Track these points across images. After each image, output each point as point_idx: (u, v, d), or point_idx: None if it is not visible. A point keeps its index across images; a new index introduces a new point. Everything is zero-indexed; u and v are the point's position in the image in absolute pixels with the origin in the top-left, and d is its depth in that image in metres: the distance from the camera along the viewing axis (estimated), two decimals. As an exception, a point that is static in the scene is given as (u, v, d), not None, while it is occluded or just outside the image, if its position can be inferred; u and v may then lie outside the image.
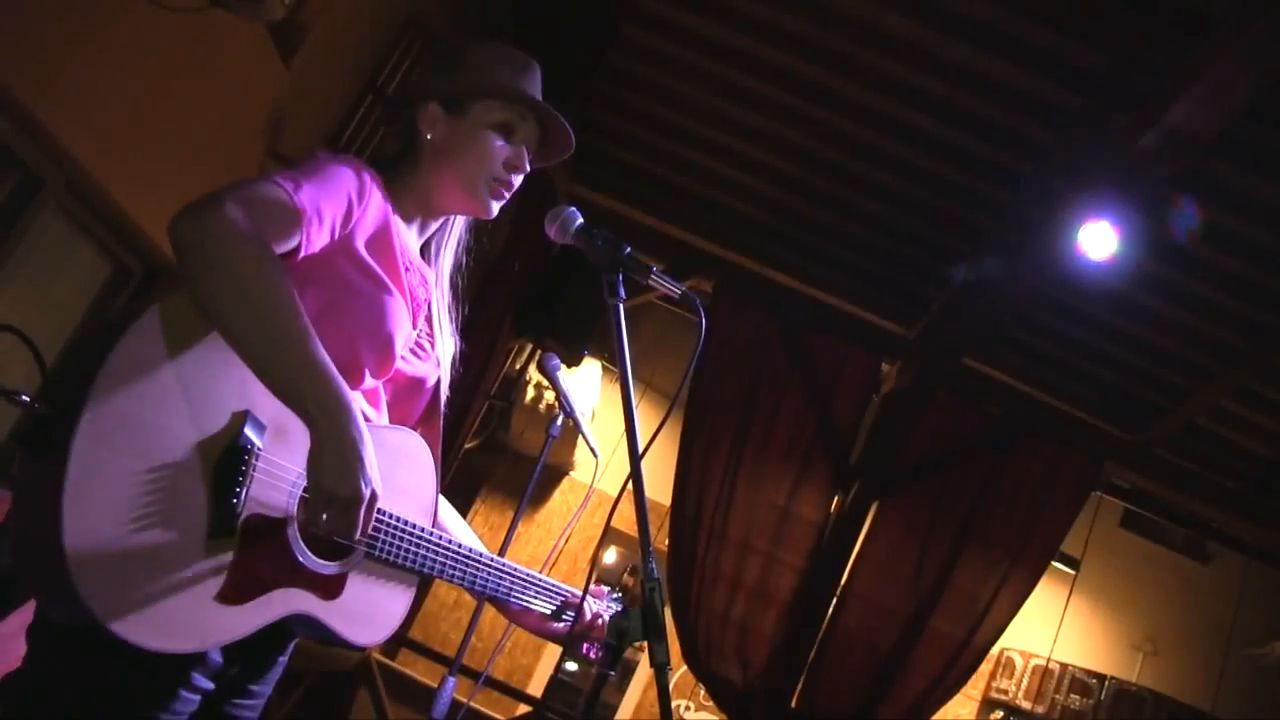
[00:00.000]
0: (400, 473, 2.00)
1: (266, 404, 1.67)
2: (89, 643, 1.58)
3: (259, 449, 1.68)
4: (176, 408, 1.58)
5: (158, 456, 1.55)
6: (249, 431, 1.66)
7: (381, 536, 1.93)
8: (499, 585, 2.25)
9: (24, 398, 1.50)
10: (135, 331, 1.54)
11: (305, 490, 1.70)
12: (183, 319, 1.59)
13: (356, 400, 1.78)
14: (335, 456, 1.62)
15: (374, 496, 1.68)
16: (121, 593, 1.52)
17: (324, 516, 1.65)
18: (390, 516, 1.95)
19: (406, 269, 1.98)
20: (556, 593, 2.40)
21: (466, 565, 2.15)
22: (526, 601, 2.33)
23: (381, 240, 1.91)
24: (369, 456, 1.66)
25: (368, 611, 1.96)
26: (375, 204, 1.89)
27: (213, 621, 1.65)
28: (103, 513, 1.49)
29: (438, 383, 2.13)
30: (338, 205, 1.79)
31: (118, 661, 1.60)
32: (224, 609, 1.66)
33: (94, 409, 1.48)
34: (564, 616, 2.42)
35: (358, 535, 1.70)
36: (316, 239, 1.76)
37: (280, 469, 1.73)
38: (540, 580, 2.36)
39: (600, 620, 2.42)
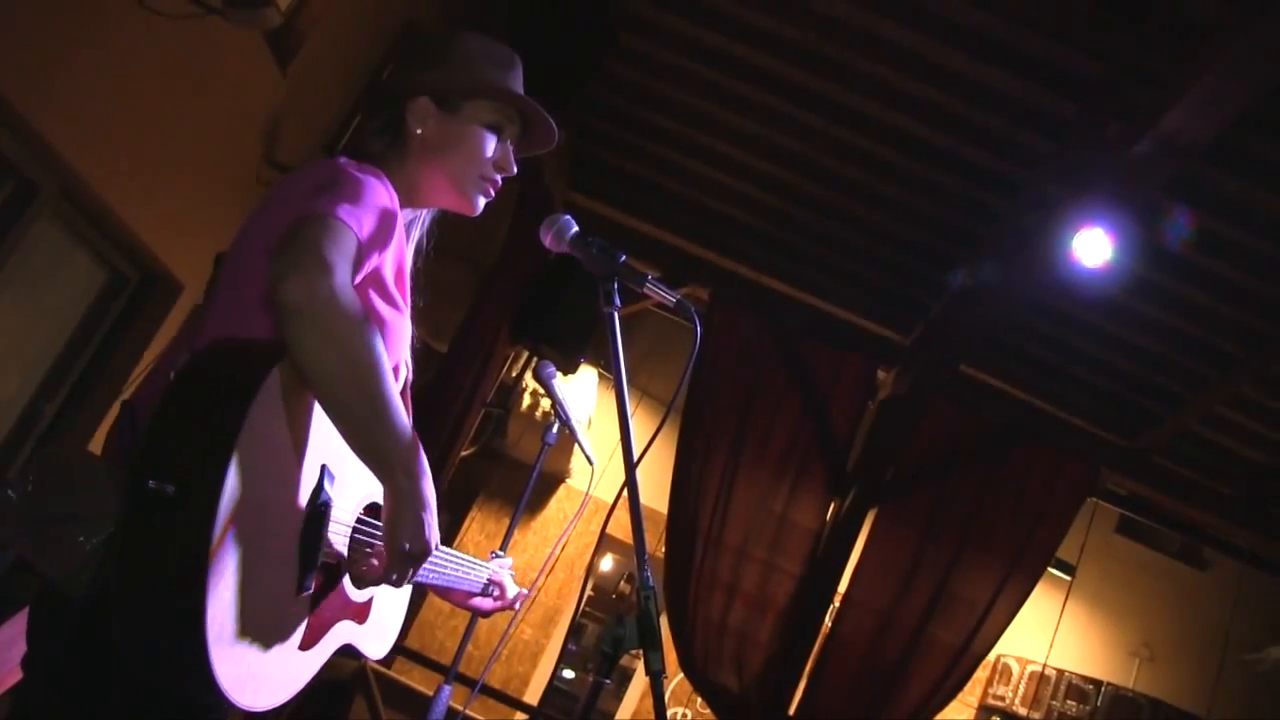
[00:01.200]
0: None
1: (332, 450, 1.71)
2: (98, 676, 1.60)
3: (333, 501, 1.73)
4: (288, 477, 1.62)
5: (273, 530, 1.59)
6: (327, 485, 1.70)
7: None
8: (464, 577, 2.42)
9: (153, 484, 1.43)
10: (261, 404, 1.53)
11: (359, 532, 1.81)
12: (292, 382, 1.61)
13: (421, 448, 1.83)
14: (415, 519, 1.69)
15: (435, 548, 1.77)
16: (243, 665, 1.54)
17: (393, 569, 1.73)
18: None
19: (411, 279, 2.00)
20: (484, 573, 2.53)
21: (446, 566, 2.23)
22: (459, 579, 2.44)
23: (399, 258, 1.93)
24: (435, 512, 1.74)
25: (383, 626, 2.05)
26: (399, 227, 1.90)
27: (298, 670, 1.71)
28: (232, 593, 1.49)
29: (408, 380, 2.14)
30: (382, 241, 1.81)
31: (150, 697, 1.63)
32: (304, 655, 1.72)
33: (229, 492, 1.46)
34: (491, 592, 2.58)
35: (404, 585, 1.79)
36: (362, 274, 1.78)
37: (341, 513, 1.78)
38: (466, 559, 2.45)
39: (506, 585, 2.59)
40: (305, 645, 1.71)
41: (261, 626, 1.57)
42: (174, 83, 4.17)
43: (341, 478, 1.74)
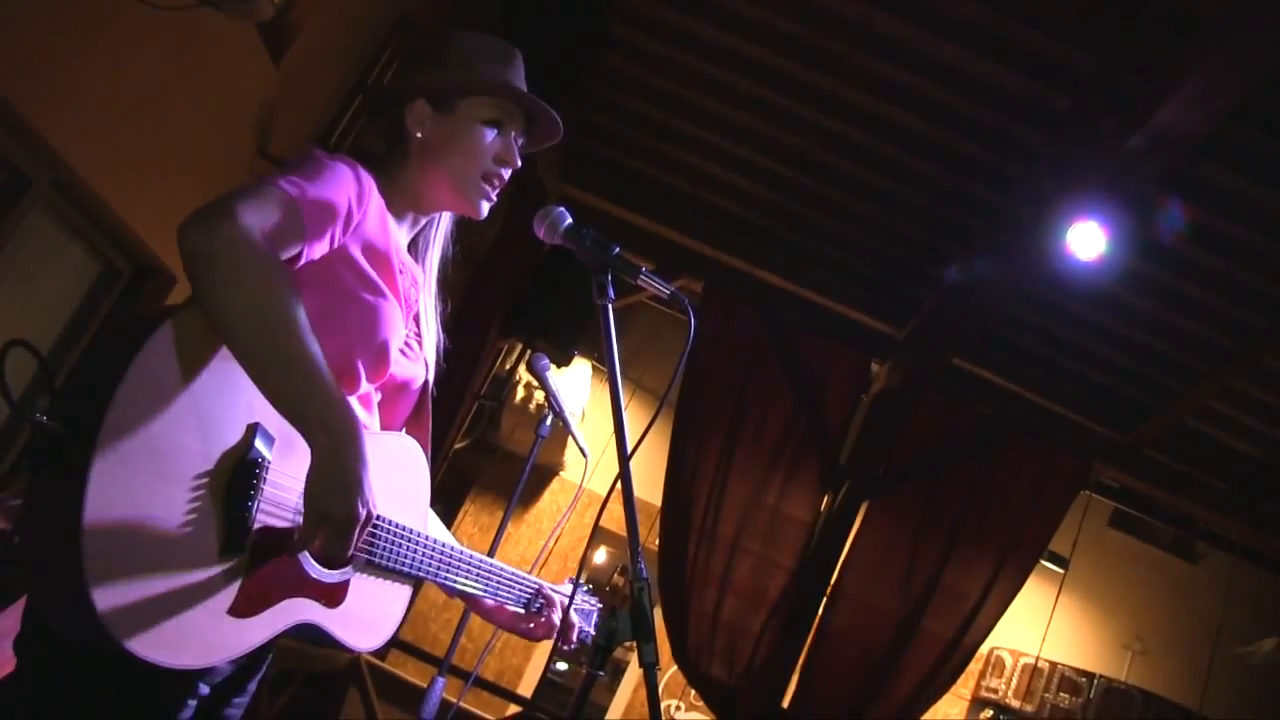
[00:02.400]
0: (396, 478, 2.01)
1: (275, 415, 1.66)
2: (95, 658, 1.57)
3: (268, 462, 1.67)
4: (190, 424, 1.57)
5: (173, 475, 1.55)
6: (259, 444, 1.65)
7: (379, 542, 1.94)
8: (487, 586, 2.27)
9: (39, 417, 1.46)
10: (149, 348, 1.51)
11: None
12: (195, 333, 1.58)
13: (353, 408, 1.78)
14: (336, 477, 1.62)
15: (368, 518, 1.67)
16: (139, 612, 1.51)
17: (320, 535, 1.65)
18: (388, 522, 1.95)
19: (400, 271, 1.98)
20: (531, 586, 2.44)
21: (458, 567, 2.16)
22: (504, 599, 2.36)
23: (378, 244, 1.90)
24: (368, 478, 1.65)
25: (368, 617, 1.98)
26: (374, 207, 1.88)
27: (225, 635, 1.65)
28: (120, 534, 1.48)
29: (426, 382, 2.12)
30: (339, 211, 1.78)
31: (125, 674, 1.59)
32: (236, 622, 1.66)
33: (111, 429, 1.46)
34: (534, 608, 2.45)
35: (345, 556, 1.71)
36: (318, 246, 1.76)
37: (288, 480, 1.73)
38: (519, 576, 2.38)
39: (571, 622, 2.48)
40: (240, 611, 1.65)
41: (169, 578, 1.54)
42: (167, 75, 4.16)
43: (291, 443, 1.69)
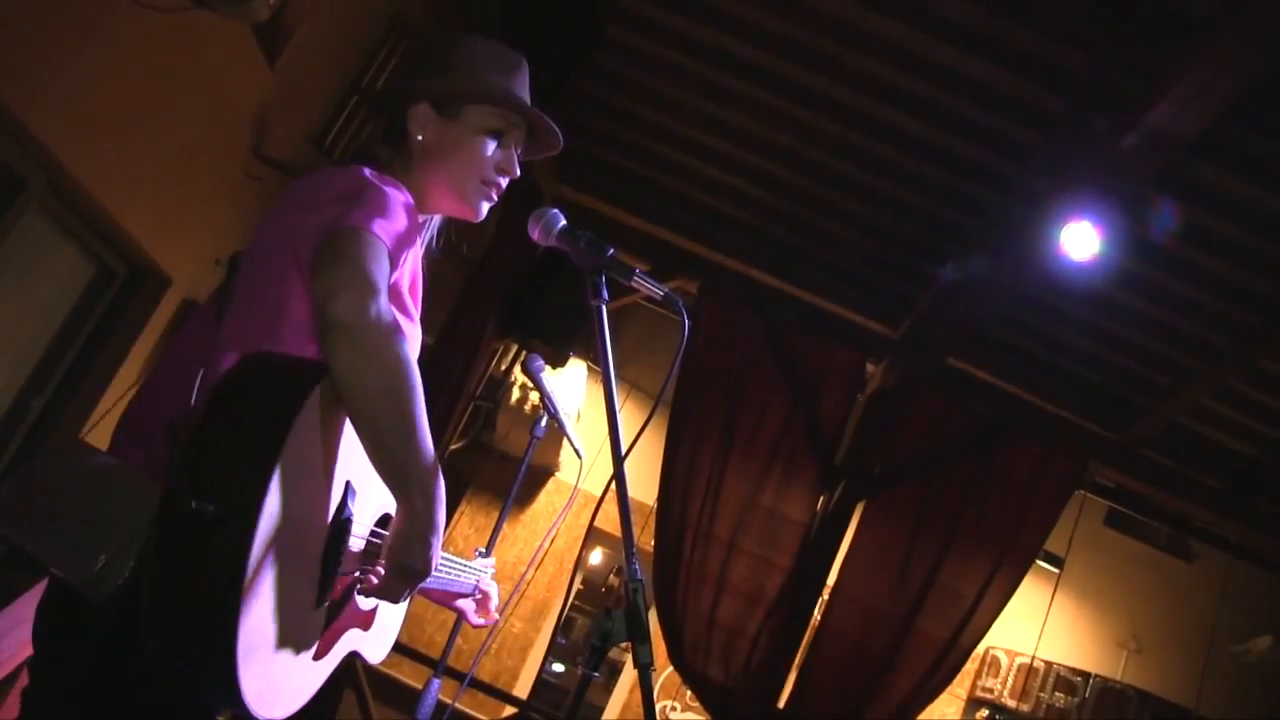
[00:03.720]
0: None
1: (354, 464, 1.71)
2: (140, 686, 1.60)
3: (354, 517, 1.73)
4: (318, 495, 1.63)
5: (303, 548, 1.60)
6: (349, 502, 1.71)
7: None
8: (455, 580, 2.42)
9: (194, 504, 1.45)
10: (301, 424, 1.54)
11: (370, 545, 1.82)
12: (328, 407, 1.62)
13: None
14: (424, 539, 1.68)
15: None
16: (266, 678, 1.55)
17: (394, 584, 1.72)
18: None
19: (418, 288, 2.01)
20: (472, 569, 2.52)
21: (449, 570, 2.22)
22: (460, 586, 2.46)
23: (412, 270, 1.95)
24: (441, 538, 1.73)
25: (384, 631, 2.07)
26: (416, 238, 1.93)
27: (311, 680, 1.72)
28: (263, 609, 1.51)
29: None
30: (405, 250, 1.83)
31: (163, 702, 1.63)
32: (317, 665, 1.73)
33: (267, 514, 1.48)
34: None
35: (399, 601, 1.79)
36: None
37: (358, 527, 1.79)
38: (458, 561, 2.45)
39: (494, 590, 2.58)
40: (319, 656, 1.73)
41: (285, 641, 1.59)
42: (162, 76, 4.16)
43: (361, 491, 1.75)
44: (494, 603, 2.58)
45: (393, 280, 1.80)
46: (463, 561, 2.45)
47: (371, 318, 1.61)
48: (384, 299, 1.64)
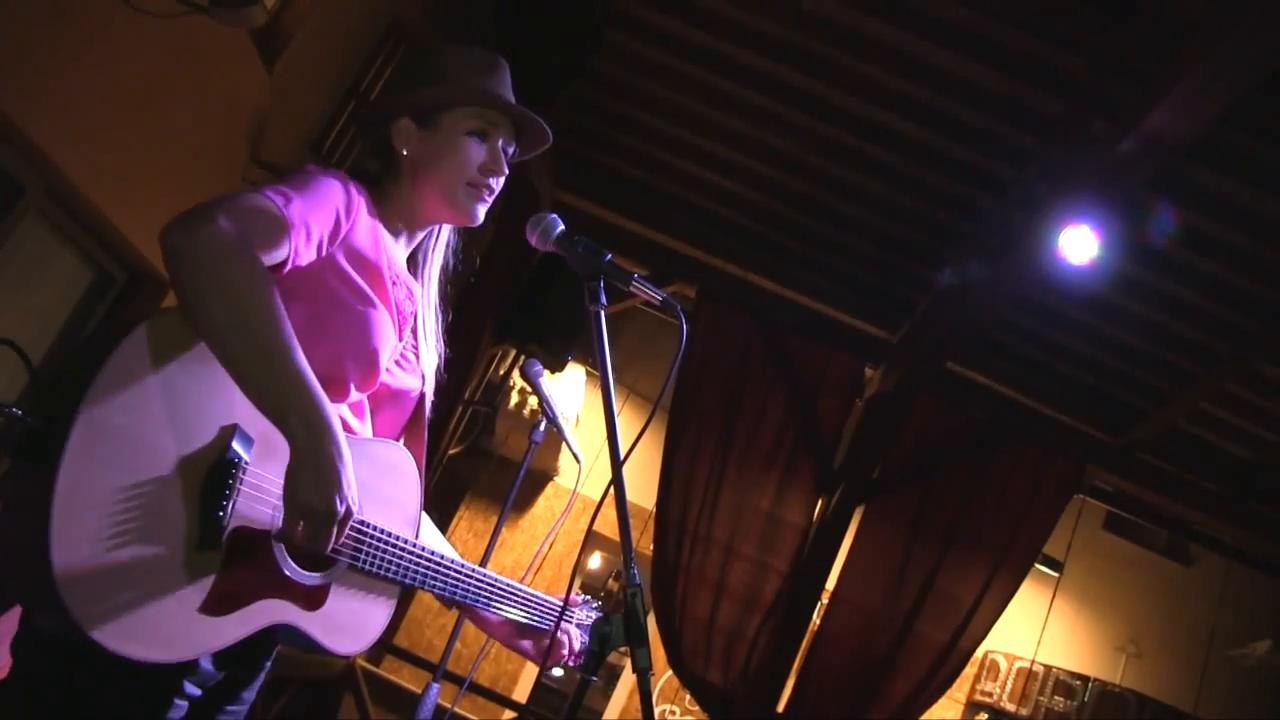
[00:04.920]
0: (385, 485, 2.00)
1: (255, 418, 1.67)
2: (76, 652, 1.58)
3: (246, 463, 1.68)
4: (166, 422, 1.59)
5: (146, 471, 1.56)
6: (236, 445, 1.67)
7: (364, 548, 1.93)
8: (478, 596, 2.25)
9: (15, 410, 1.49)
10: (127, 345, 1.54)
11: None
12: (174, 333, 1.60)
13: (340, 413, 1.79)
14: (313, 472, 1.63)
15: (349, 513, 1.68)
16: (106, 604, 1.52)
17: (297, 530, 1.67)
18: (373, 528, 1.95)
19: (393, 282, 1.99)
20: (537, 602, 2.39)
21: (447, 576, 2.15)
22: (504, 612, 2.32)
23: (368, 255, 1.92)
24: (348, 474, 1.67)
25: (349, 622, 1.97)
26: (363, 218, 1.90)
27: (195, 632, 1.66)
28: (90, 526, 1.50)
29: (422, 395, 2.13)
30: (326, 219, 1.80)
31: (108, 670, 1.60)
32: (208, 620, 1.66)
33: (84, 423, 1.48)
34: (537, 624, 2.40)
35: (328, 550, 1.72)
36: (304, 253, 1.77)
37: (267, 482, 1.74)
38: (520, 590, 2.34)
39: (570, 635, 2.43)
40: (214, 610, 1.66)
41: (139, 572, 1.56)
42: (160, 81, 4.16)
43: (271, 446, 1.71)
44: (566, 651, 2.41)
45: (315, 249, 1.79)
46: (528, 591, 2.35)
47: (199, 238, 1.57)
48: (224, 226, 1.60)
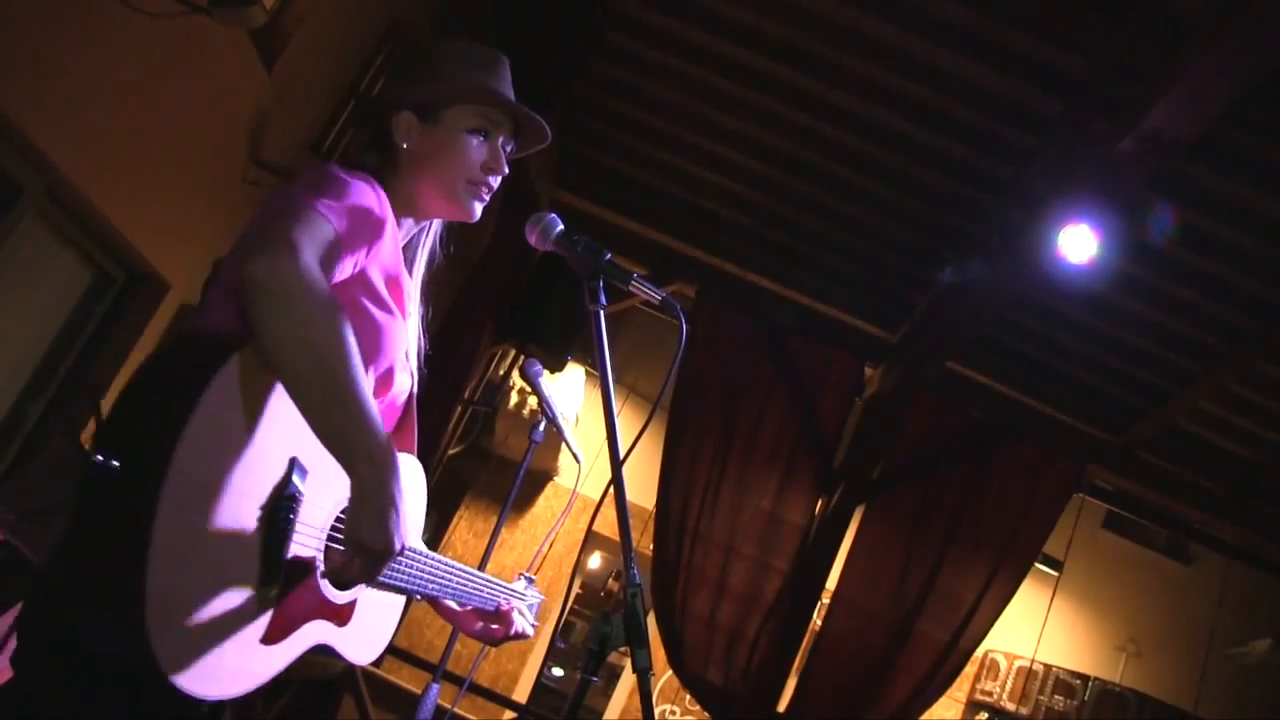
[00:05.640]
0: (405, 501, 2.02)
1: (310, 447, 1.68)
2: (102, 678, 1.58)
3: (302, 495, 1.70)
4: (246, 462, 1.59)
5: (226, 515, 1.56)
6: (296, 479, 1.68)
7: (395, 568, 1.97)
8: (473, 594, 2.32)
9: (106, 460, 1.45)
10: (216, 389, 1.52)
11: (332, 537, 1.77)
12: (254, 369, 1.59)
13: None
14: (375, 512, 1.64)
15: (400, 549, 1.70)
16: (187, 648, 1.52)
17: (354, 565, 1.69)
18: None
19: (404, 287, 2.00)
20: (492, 585, 2.45)
21: (449, 578, 2.19)
22: (473, 600, 2.38)
23: (391, 263, 1.93)
24: (403, 510, 1.68)
25: (368, 633, 2.02)
26: (390, 228, 1.91)
27: (256, 663, 1.68)
28: (177, 574, 1.49)
29: (412, 392, 2.14)
30: (365, 237, 1.80)
31: (131, 692, 1.60)
32: (265, 649, 1.68)
33: (176, 472, 1.46)
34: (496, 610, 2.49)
35: (374, 583, 1.76)
36: (346, 271, 1.78)
37: (317, 510, 1.76)
38: (478, 575, 2.39)
39: (512, 609, 2.50)
40: (269, 639, 1.68)
41: (214, 613, 1.56)
42: (159, 82, 4.16)
43: (321, 475, 1.72)
44: (517, 624, 2.50)
45: (355, 267, 1.79)
46: (486, 578, 2.40)
47: (285, 275, 1.57)
48: (307, 261, 1.60)
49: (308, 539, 1.75)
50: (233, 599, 1.60)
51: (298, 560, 1.72)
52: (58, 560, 1.51)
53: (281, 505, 1.65)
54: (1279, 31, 3.74)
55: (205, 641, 1.55)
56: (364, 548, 1.66)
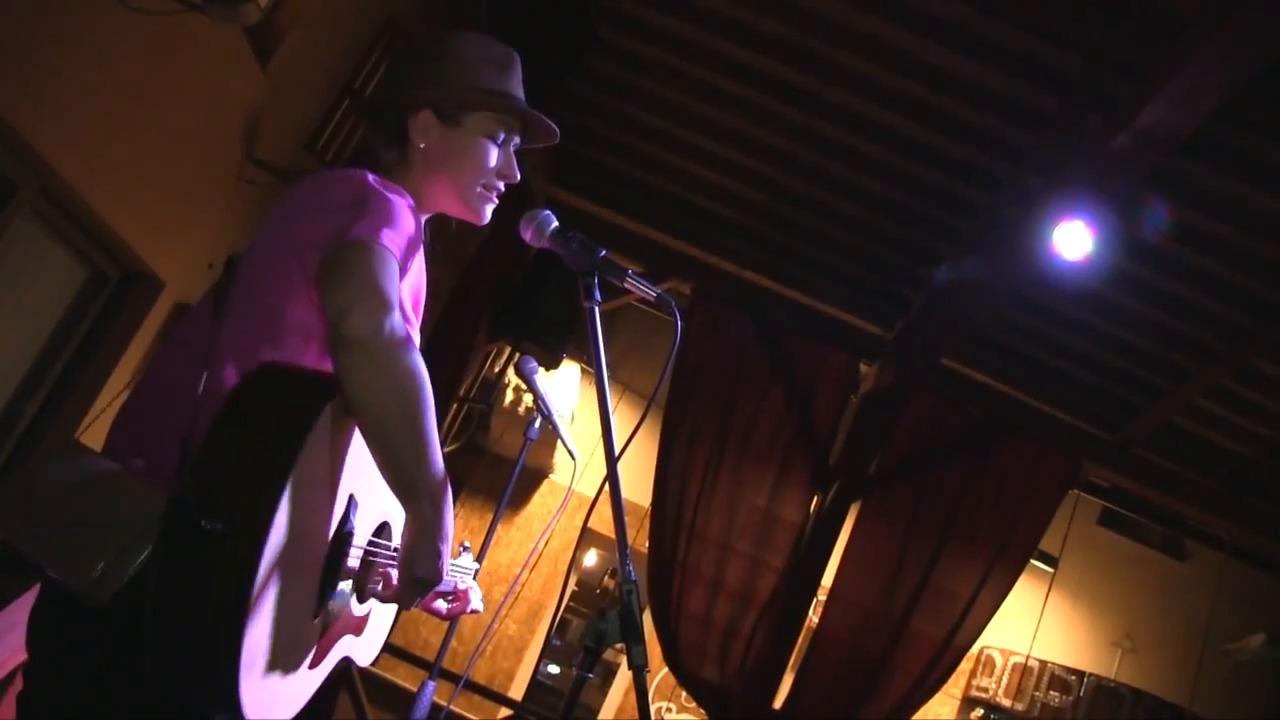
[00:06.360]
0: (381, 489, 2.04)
1: (361, 481, 1.72)
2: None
3: (354, 530, 1.74)
4: (320, 507, 1.63)
5: (304, 560, 1.60)
6: (352, 515, 1.72)
7: None
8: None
9: (205, 523, 1.45)
10: (312, 443, 1.54)
11: (369, 552, 1.83)
12: (336, 421, 1.63)
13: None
14: (431, 549, 1.71)
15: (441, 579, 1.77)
16: (263, 689, 1.56)
17: (407, 594, 1.75)
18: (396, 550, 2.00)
19: (418, 297, 2.00)
20: (456, 569, 2.48)
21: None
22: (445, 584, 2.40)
23: (416, 281, 1.94)
24: (450, 546, 1.75)
25: (372, 636, 2.06)
26: (419, 248, 1.92)
27: (306, 687, 1.74)
28: (263, 624, 1.51)
29: None
30: (411, 260, 1.84)
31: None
32: (310, 672, 1.74)
33: (275, 531, 1.49)
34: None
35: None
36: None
37: (358, 534, 1.79)
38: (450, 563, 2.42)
39: (469, 589, 2.51)
40: (314, 663, 1.74)
41: (284, 653, 1.60)
42: (154, 79, 4.15)
43: (362, 501, 1.76)
44: (473, 602, 2.53)
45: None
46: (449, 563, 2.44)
47: (386, 334, 1.61)
48: (397, 313, 1.64)
49: (350, 564, 1.79)
50: (298, 636, 1.64)
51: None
52: (136, 602, 1.50)
53: (340, 541, 1.70)
54: (1274, 28, 3.74)
55: (275, 679, 1.59)
56: (418, 580, 1.72)
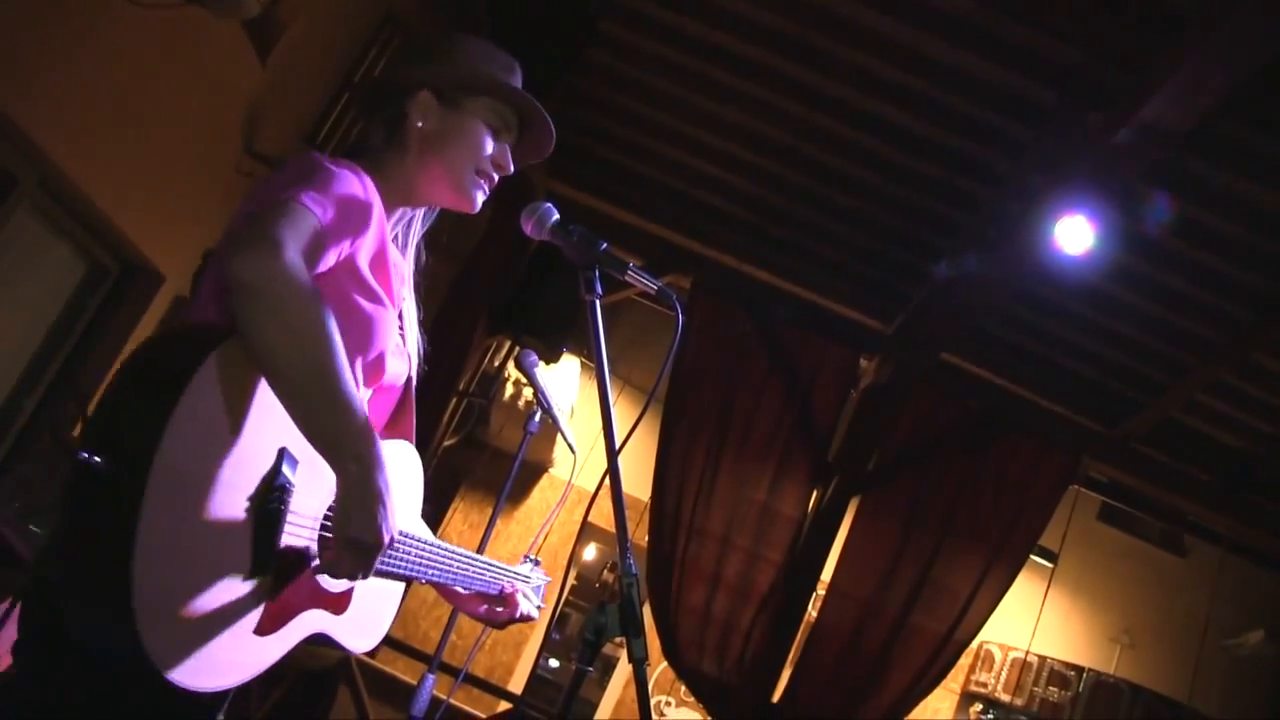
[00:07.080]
0: (398, 485, 2.02)
1: (298, 437, 1.68)
2: (109, 678, 1.59)
3: (293, 486, 1.70)
4: (230, 455, 1.59)
5: (215, 508, 1.56)
6: (286, 469, 1.67)
7: (391, 554, 1.96)
8: (475, 578, 2.31)
9: (89, 456, 1.45)
10: (196, 382, 1.52)
11: (325, 528, 1.77)
12: (236, 365, 1.59)
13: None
14: (363, 506, 1.65)
15: (391, 541, 1.71)
16: (180, 642, 1.53)
17: (345, 560, 1.70)
18: (400, 534, 1.97)
19: (393, 273, 1.98)
20: (497, 568, 2.46)
21: (448, 563, 2.18)
22: (475, 585, 2.39)
23: (379, 250, 1.91)
24: (391, 503, 1.69)
25: (368, 621, 2.02)
26: (376, 216, 1.88)
27: (251, 654, 1.68)
28: (166, 569, 1.49)
29: (409, 379, 2.13)
30: (351, 225, 1.79)
31: (141, 696, 1.61)
32: (260, 640, 1.69)
33: (160, 468, 1.46)
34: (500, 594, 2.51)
35: (369, 577, 1.75)
36: (331, 261, 1.77)
37: (308, 500, 1.76)
38: (480, 559, 2.40)
39: (516, 592, 2.51)
40: (264, 630, 1.69)
41: (206, 606, 1.56)
42: (154, 73, 4.15)
43: (313, 466, 1.71)
44: (523, 606, 2.52)
45: (340, 255, 1.78)
46: (490, 562, 2.41)
47: (270, 273, 1.57)
48: (290, 257, 1.59)
49: (300, 529, 1.74)
50: (224, 591, 1.59)
51: (291, 550, 1.72)
52: (50, 556, 1.51)
53: (271, 496, 1.65)
54: (1275, 23, 3.74)
55: (197, 634, 1.55)
56: (354, 543, 1.67)
